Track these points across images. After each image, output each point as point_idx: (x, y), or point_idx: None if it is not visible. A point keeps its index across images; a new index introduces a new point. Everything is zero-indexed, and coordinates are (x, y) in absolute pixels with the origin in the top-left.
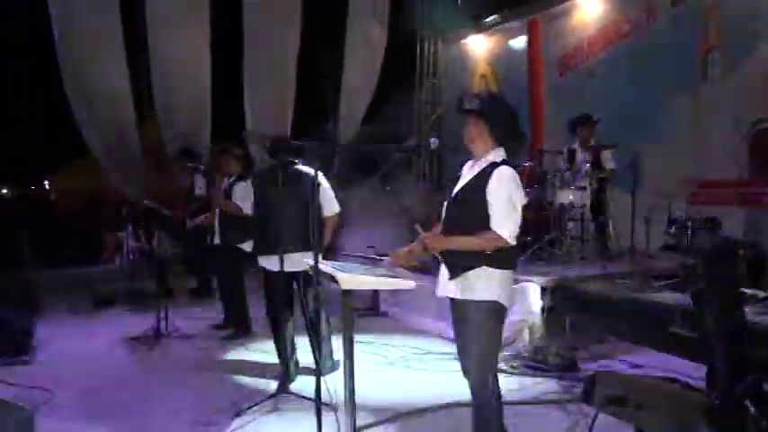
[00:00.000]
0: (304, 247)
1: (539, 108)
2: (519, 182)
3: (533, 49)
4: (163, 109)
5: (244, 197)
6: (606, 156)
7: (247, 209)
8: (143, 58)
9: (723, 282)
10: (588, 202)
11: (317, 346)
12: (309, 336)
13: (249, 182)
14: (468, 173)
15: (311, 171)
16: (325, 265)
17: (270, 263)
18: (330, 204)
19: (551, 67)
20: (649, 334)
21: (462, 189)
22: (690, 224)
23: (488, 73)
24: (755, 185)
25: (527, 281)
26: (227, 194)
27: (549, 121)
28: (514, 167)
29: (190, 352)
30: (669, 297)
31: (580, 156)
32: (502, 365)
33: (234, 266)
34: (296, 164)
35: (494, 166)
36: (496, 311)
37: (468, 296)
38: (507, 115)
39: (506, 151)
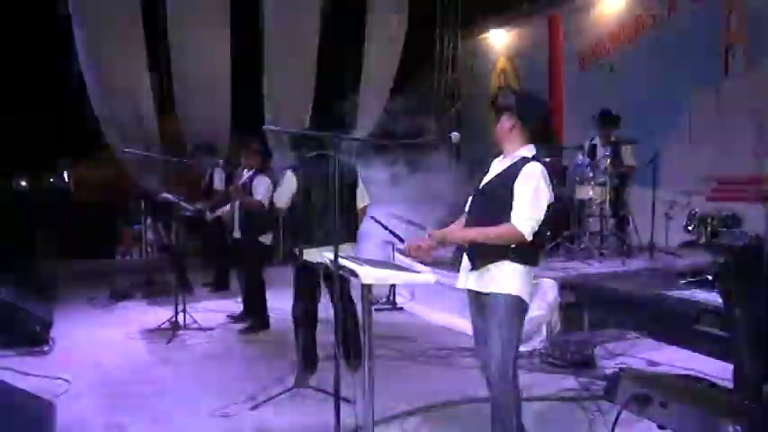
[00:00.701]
0: (349, 239)
1: (558, 103)
2: (548, 180)
3: (554, 44)
4: (182, 102)
5: (264, 191)
6: (626, 151)
7: (266, 203)
8: (163, 50)
9: (754, 280)
10: (608, 198)
11: (352, 345)
12: (343, 333)
13: (267, 176)
14: (497, 167)
15: (349, 162)
16: (345, 259)
17: (317, 256)
18: (364, 195)
19: (572, 62)
20: (676, 331)
21: (490, 182)
22: (710, 221)
23: (508, 68)
24: None
25: (545, 277)
26: (246, 189)
27: (569, 117)
28: (544, 164)
29: (207, 344)
30: (696, 294)
31: (601, 151)
32: (519, 362)
33: (254, 260)
34: (331, 156)
35: (525, 160)
36: (518, 306)
37: (491, 289)
38: (542, 114)
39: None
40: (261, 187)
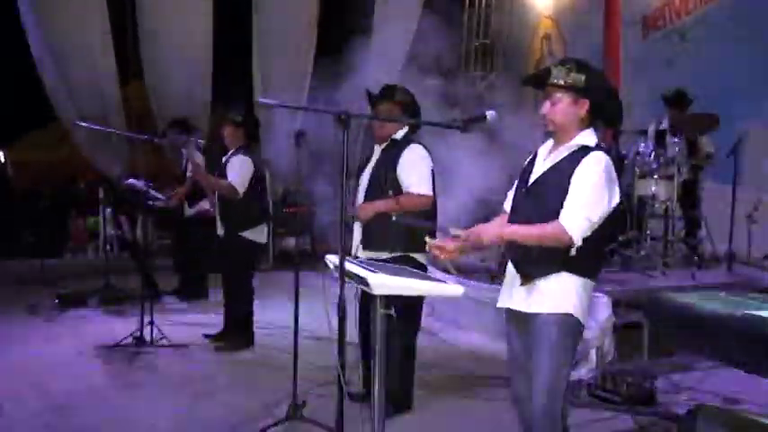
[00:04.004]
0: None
1: (616, 78)
2: (614, 175)
3: (611, 5)
4: (152, 68)
5: (239, 174)
6: (703, 138)
7: (240, 187)
8: (128, 8)
9: None
10: (675, 195)
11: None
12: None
13: (248, 156)
14: (548, 158)
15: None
16: (354, 265)
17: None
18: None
19: (632, 28)
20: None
21: (540, 177)
22: None
23: (553, 33)
24: None
25: (596, 291)
26: (222, 172)
27: (628, 95)
28: (608, 153)
29: (178, 365)
30: None
31: (670, 138)
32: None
33: (239, 261)
34: None
35: (585, 150)
36: (573, 328)
37: (541, 308)
38: (610, 91)
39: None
40: (235, 167)
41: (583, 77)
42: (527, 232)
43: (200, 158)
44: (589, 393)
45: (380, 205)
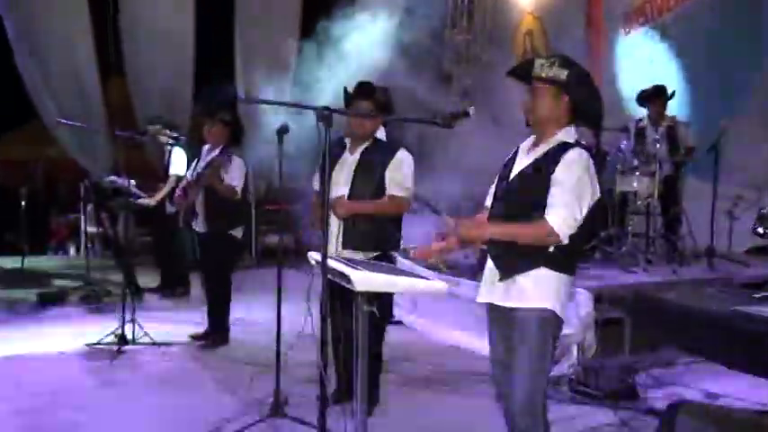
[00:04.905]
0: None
1: (598, 74)
2: (594, 172)
3: (593, 2)
4: (133, 65)
5: (239, 176)
6: (683, 132)
7: (240, 190)
8: (110, 6)
9: None
10: (657, 192)
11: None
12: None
13: (239, 156)
14: (529, 154)
15: None
16: (335, 262)
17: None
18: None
19: (615, 24)
20: (750, 356)
21: (522, 173)
22: None
23: (535, 29)
24: None
25: (577, 287)
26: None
27: (610, 90)
28: (588, 151)
29: (160, 363)
30: None
31: (650, 134)
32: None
33: (222, 259)
34: None
35: (565, 147)
36: (551, 323)
37: (520, 303)
38: (592, 91)
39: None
40: (236, 171)
41: (565, 72)
42: (514, 231)
43: (183, 157)
44: (571, 388)
45: (361, 207)
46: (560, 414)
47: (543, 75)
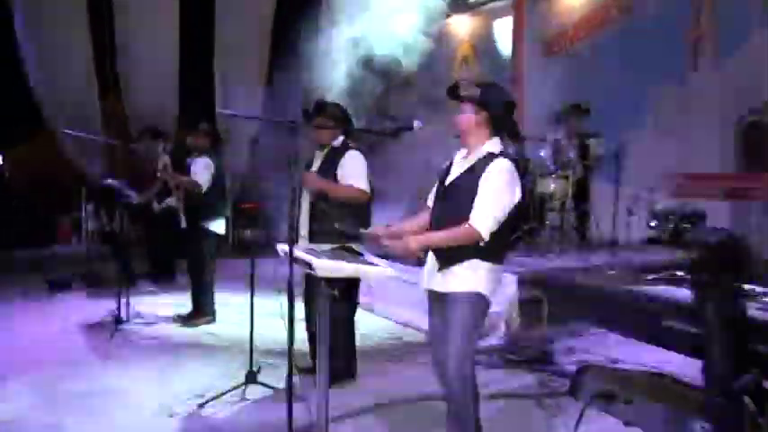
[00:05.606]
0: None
1: (521, 92)
2: (516, 177)
3: (518, 31)
4: (127, 84)
5: (201, 172)
6: (593, 143)
7: (204, 183)
8: (107, 29)
9: (728, 277)
10: (570, 192)
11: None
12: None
13: (211, 158)
14: (461, 163)
15: None
16: (300, 251)
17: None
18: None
19: (536, 51)
20: (645, 328)
21: (454, 181)
22: (673, 217)
23: (470, 55)
24: (742, 179)
25: (504, 272)
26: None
27: (532, 106)
28: (513, 160)
29: (152, 339)
30: (665, 290)
31: (566, 144)
32: (477, 358)
33: (202, 249)
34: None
35: (491, 157)
36: (479, 304)
37: (454, 288)
38: (508, 106)
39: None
40: (199, 166)
41: (479, 91)
42: (445, 236)
43: (167, 160)
44: (499, 357)
45: (324, 184)
46: (491, 377)
47: (464, 94)
